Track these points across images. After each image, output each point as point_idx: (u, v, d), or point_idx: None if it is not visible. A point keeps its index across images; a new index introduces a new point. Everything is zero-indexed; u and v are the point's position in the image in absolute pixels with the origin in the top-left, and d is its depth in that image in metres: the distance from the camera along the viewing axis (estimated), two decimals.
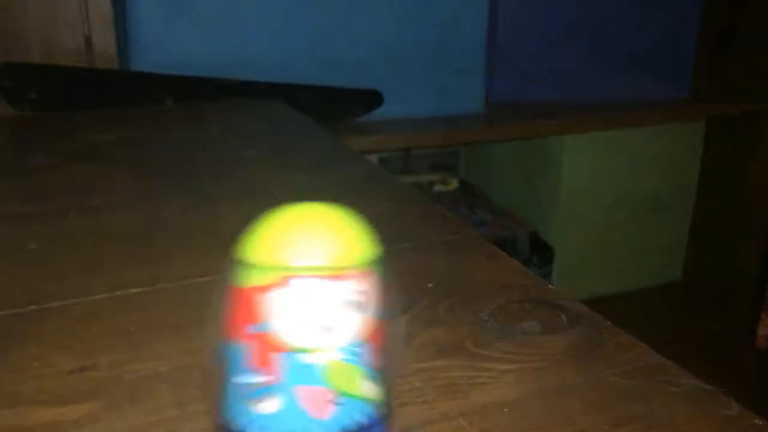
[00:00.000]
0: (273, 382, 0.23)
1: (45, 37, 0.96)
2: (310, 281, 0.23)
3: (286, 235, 0.24)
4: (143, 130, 0.77)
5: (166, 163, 0.66)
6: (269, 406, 0.23)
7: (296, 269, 0.23)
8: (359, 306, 0.24)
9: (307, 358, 0.23)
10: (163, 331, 0.37)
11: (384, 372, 0.25)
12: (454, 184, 1.52)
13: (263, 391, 0.23)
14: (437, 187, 1.51)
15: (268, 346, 0.23)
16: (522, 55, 1.24)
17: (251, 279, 0.23)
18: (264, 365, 0.23)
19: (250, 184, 0.60)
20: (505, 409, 0.31)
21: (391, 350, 0.26)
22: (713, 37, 1.39)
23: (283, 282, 0.23)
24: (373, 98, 1.06)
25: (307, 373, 0.23)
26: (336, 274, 0.23)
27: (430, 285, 0.42)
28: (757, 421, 0.30)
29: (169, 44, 0.98)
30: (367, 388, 0.24)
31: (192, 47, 0.99)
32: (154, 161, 0.67)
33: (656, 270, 1.49)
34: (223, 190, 0.59)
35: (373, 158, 1.33)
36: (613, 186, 1.37)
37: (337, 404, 0.24)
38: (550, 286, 0.42)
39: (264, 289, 0.23)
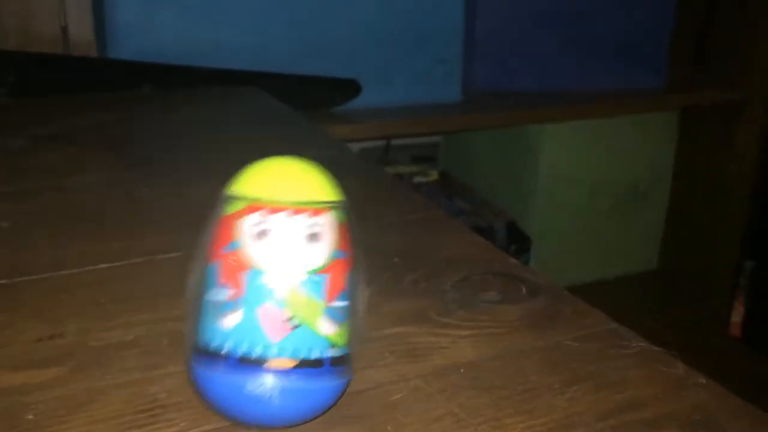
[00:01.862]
0: (236, 298, 0.25)
1: (22, 24, 0.96)
2: (276, 212, 0.26)
3: (261, 175, 0.28)
4: (120, 115, 0.78)
5: (142, 147, 0.67)
6: (231, 320, 0.25)
7: (266, 201, 0.26)
8: (319, 239, 0.26)
9: (268, 279, 0.25)
10: (132, 303, 0.38)
11: (344, 316, 0.27)
12: (434, 175, 1.54)
13: (228, 307, 0.26)
14: (417, 178, 1.52)
15: (236, 264, 0.26)
16: (500, 44, 1.25)
17: (230, 208, 0.27)
18: (231, 282, 0.26)
19: (222, 167, 0.60)
20: (462, 370, 0.32)
21: (351, 296, 0.27)
22: (690, 27, 1.41)
23: (252, 210, 0.26)
24: (350, 87, 1.07)
25: (266, 294, 0.25)
26: (299, 208, 0.26)
27: (395, 260, 0.43)
28: (701, 380, 0.31)
29: (146, 32, 0.98)
30: (324, 324, 0.26)
31: (170, 35, 1.00)
32: (129, 145, 0.67)
33: (633, 258, 1.51)
34: (196, 172, 0.59)
35: (354, 149, 1.34)
36: (592, 175, 1.38)
37: (293, 329, 0.25)
38: (512, 260, 0.43)
39: (237, 215, 0.26)
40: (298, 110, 0.81)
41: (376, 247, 0.45)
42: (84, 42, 1.00)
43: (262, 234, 0.26)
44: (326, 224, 0.27)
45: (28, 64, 0.90)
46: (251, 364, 0.25)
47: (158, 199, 0.53)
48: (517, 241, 1.35)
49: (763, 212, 1.38)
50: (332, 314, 0.26)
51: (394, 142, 1.45)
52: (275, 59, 1.03)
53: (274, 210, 0.26)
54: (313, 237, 0.26)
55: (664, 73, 1.34)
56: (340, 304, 0.27)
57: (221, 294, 0.26)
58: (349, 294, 0.27)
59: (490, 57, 1.25)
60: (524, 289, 0.39)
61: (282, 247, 0.26)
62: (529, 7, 1.24)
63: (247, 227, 0.26)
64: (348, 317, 0.27)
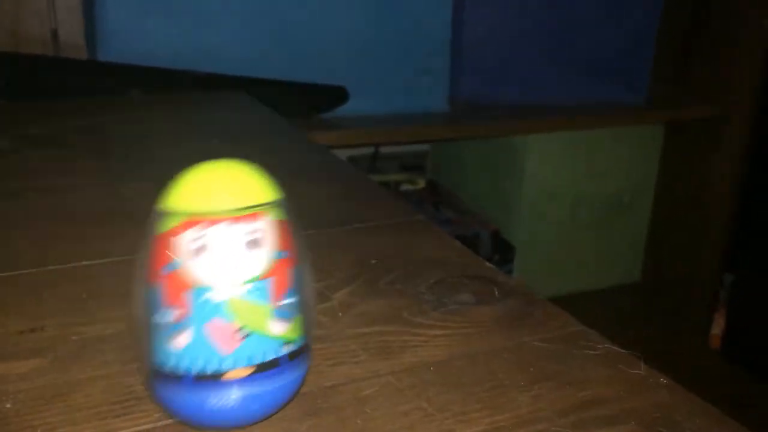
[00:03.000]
0: (183, 318, 0.26)
1: (12, 25, 0.96)
2: (213, 224, 0.26)
3: (193, 185, 0.27)
4: (107, 118, 0.78)
5: (128, 150, 0.68)
6: (181, 341, 0.26)
7: (199, 213, 0.26)
8: (257, 245, 0.26)
9: (212, 295, 0.25)
10: (113, 299, 0.38)
11: (294, 311, 0.27)
12: (421, 183, 1.55)
13: (176, 327, 0.26)
14: (404, 187, 1.53)
15: (178, 284, 0.26)
16: (487, 56, 1.26)
17: (164, 225, 0.26)
18: (176, 302, 0.26)
19: None
20: (432, 368, 0.33)
21: (300, 290, 0.28)
22: (672, 44, 1.43)
23: (189, 225, 0.26)
24: (338, 94, 1.08)
25: (213, 309, 0.26)
26: (237, 216, 0.26)
27: (372, 261, 0.44)
28: (662, 380, 0.32)
29: (136, 36, 0.99)
30: (275, 326, 0.26)
31: (160, 39, 1.01)
32: (115, 148, 0.68)
33: (616, 270, 1.53)
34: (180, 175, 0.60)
35: (342, 157, 1.35)
36: (576, 187, 1.40)
37: (244, 338, 0.26)
38: (487, 264, 0.45)
39: (173, 233, 0.26)
40: (285, 116, 0.82)
41: (355, 249, 0.46)
42: (74, 45, 1.01)
43: (201, 249, 0.25)
44: (266, 227, 0.26)
45: (16, 66, 0.91)
46: (209, 379, 0.26)
47: (141, 200, 0.54)
48: (502, 251, 1.37)
49: (743, 226, 1.40)
50: (281, 314, 0.27)
51: (383, 150, 1.47)
52: (264, 66, 1.04)
53: (211, 222, 0.26)
54: (254, 243, 0.26)
55: (645, 89, 1.37)
56: (288, 301, 0.27)
57: (168, 315, 0.26)
58: (297, 287, 0.28)
59: (477, 69, 1.26)
60: (497, 292, 0.40)
61: (223, 260, 0.26)
62: (516, 20, 1.26)
63: (185, 244, 0.26)
64: (299, 309, 0.28)
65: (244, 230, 0.26)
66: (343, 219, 0.51)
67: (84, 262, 0.43)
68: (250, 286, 0.26)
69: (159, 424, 0.28)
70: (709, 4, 1.38)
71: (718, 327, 1.44)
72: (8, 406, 0.29)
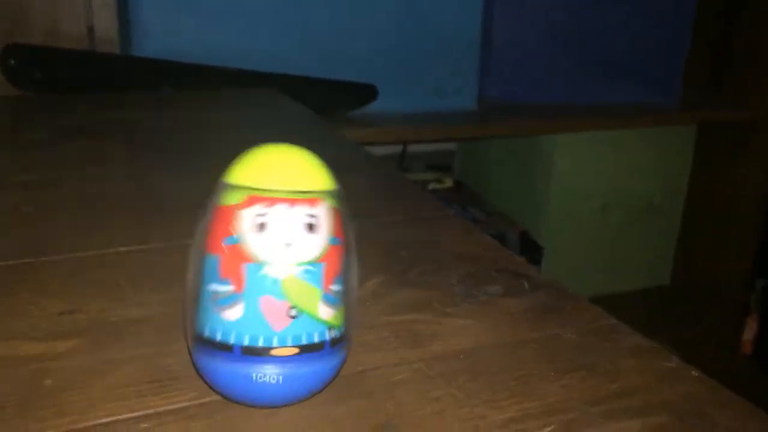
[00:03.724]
0: (238, 291, 0.26)
1: (49, 21, 0.98)
2: (275, 203, 0.26)
3: (260, 163, 0.28)
4: (141, 112, 0.80)
5: (160, 142, 0.69)
6: (234, 313, 0.26)
7: (262, 191, 0.27)
8: (316, 228, 0.27)
9: (268, 271, 0.26)
10: (150, 283, 0.39)
11: (340, 298, 0.28)
12: (448, 182, 1.55)
13: (230, 299, 0.26)
14: (432, 186, 1.53)
15: (237, 257, 0.26)
16: (516, 57, 1.26)
17: (228, 199, 0.27)
18: (232, 275, 0.26)
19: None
20: (462, 356, 0.33)
21: (347, 279, 0.28)
22: (705, 46, 1.41)
23: (252, 202, 0.27)
24: (368, 92, 1.09)
25: (268, 286, 0.26)
26: (298, 199, 0.27)
27: (403, 253, 0.44)
28: (693, 372, 0.32)
29: (169, 33, 1.01)
30: (323, 309, 0.27)
31: (192, 36, 1.02)
32: (148, 140, 0.69)
33: (646, 273, 1.51)
34: (211, 165, 0.61)
35: None
36: (605, 188, 1.39)
37: (294, 318, 0.26)
38: (517, 258, 0.45)
39: (237, 207, 0.27)
40: (316, 113, 0.83)
41: (386, 240, 0.46)
42: (108, 41, 1.03)
43: (261, 226, 0.26)
44: (323, 213, 0.27)
45: (54, 60, 0.93)
46: (256, 354, 0.26)
47: (175, 191, 0.55)
48: (529, 252, 1.36)
49: None
50: (330, 299, 0.27)
51: (410, 150, 1.47)
52: (294, 63, 1.05)
53: (274, 201, 0.26)
54: (311, 227, 0.27)
55: (678, 91, 1.35)
56: (336, 288, 0.28)
57: (223, 286, 0.27)
58: (345, 276, 0.28)
59: (506, 69, 1.26)
60: (527, 285, 0.41)
61: (281, 239, 0.26)
62: (546, 20, 1.26)
63: (246, 220, 0.26)
64: (344, 297, 0.28)
65: (303, 213, 0.27)
66: (373, 212, 0.51)
67: (120, 249, 0.44)
68: (304, 267, 0.26)
69: (195, 402, 0.29)
70: (743, 7, 1.36)
71: (749, 332, 1.42)
72: (49, 382, 0.30)
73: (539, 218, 1.39)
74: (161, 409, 0.28)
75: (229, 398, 0.28)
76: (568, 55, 1.28)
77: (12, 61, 0.88)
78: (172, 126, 0.75)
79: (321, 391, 0.29)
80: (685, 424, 0.29)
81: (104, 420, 0.28)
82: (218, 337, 0.27)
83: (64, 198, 0.53)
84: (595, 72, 1.31)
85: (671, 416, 0.29)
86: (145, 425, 0.27)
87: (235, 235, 0.26)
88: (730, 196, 1.43)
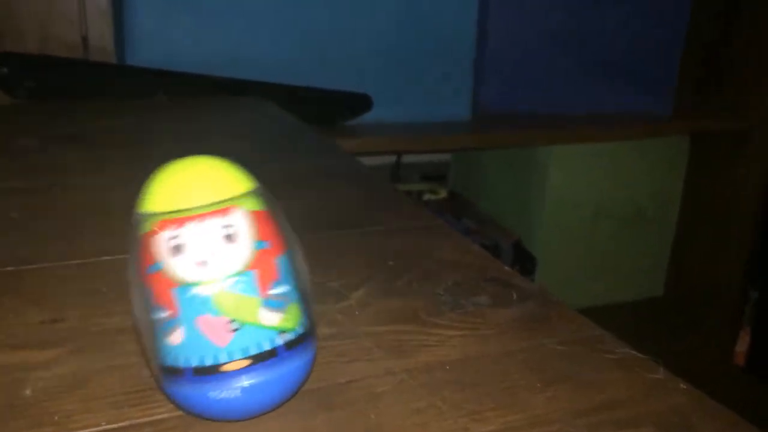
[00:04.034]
0: (174, 316, 0.26)
1: (42, 29, 0.98)
2: (185, 222, 0.26)
3: (163, 185, 0.27)
4: (133, 120, 0.80)
5: (152, 150, 0.68)
6: (176, 337, 0.26)
7: (170, 213, 0.26)
8: (236, 238, 0.26)
9: (197, 291, 0.26)
10: (127, 293, 0.39)
11: (287, 299, 0.27)
12: (442, 193, 1.55)
13: (169, 324, 0.26)
14: (426, 196, 1.53)
15: (164, 283, 0.26)
16: (510, 64, 1.26)
17: (143, 227, 0.27)
18: (164, 301, 0.26)
19: None
20: (447, 367, 0.33)
21: (292, 279, 0.28)
22: (699, 54, 1.42)
23: (163, 226, 0.26)
24: (362, 102, 1.09)
25: (201, 305, 0.26)
26: (208, 212, 0.26)
27: (390, 263, 0.44)
28: (682, 385, 0.32)
29: (164, 41, 1.01)
30: (266, 316, 0.26)
31: (187, 45, 1.02)
32: (139, 147, 0.69)
33: (639, 284, 1.51)
34: None
35: None
36: (598, 197, 1.39)
37: (236, 331, 0.26)
38: (506, 267, 0.44)
39: (150, 234, 0.26)
40: (308, 123, 0.83)
41: (373, 250, 0.46)
42: (103, 49, 1.03)
43: (178, 248, 0.26)
44: (240, 220, 0.27)
45: (46, 68, 0.93)
46: (207, 372, 0.26)
47: None
48: (523, 262, 1.36)
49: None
50: (272, 304, 0.27)
51: (405, 160, 1.47)
52: (288, 72, 1.05)
53: (183, 221, 0.26)
54: (230, 237, 0.26)
55: (671, 99, 1.36)
56: (278, 290, 0.27)
57: (160, 313, 0.26)
58: (289, 276, 0.28)
59: (500, 78, 1.26)
60: (515, 295, 0.40)
61: (201, 256, 0.26)
62: (540, 29, 1.26)
63: (162, 245, 0.26)
64: (294, 298, 0.28)
65: (217, 225, 0.26)
66: (362, 221, 0.51)
67: (105, 258, 0.43)
68: (233, 279, 0.26)
69: (174, 414, 0.28)
70: (737, 15, 1.37)
71: (742, 344, 1.42)
72: (27, 393, 0.30)
73: (533, 228, 1.39)
74: (139, 420, 0.28)
75: (199, 418, 0.28)
76: (563, 63, 1.28)
77: (4, 69, 0.88)
78: (165, 134, 0.75)
79: (293, 395, 0.28)
80: None
81: (81, 431, 0.27)
82: (169, 362, 0.26)
83: (52, 205, 0.52)
84: (590, 81, 1.31)
85: (657, 428, 0.29)
86: None
87: (156, 263, 0.26)
88: (724, 206, 1.43)
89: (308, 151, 0.72)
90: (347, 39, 1.10)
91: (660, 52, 1.33)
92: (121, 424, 0.28)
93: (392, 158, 1.44)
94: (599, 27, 1.28)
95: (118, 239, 0.45)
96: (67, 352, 0.33)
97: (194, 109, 0.87)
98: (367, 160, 1.36)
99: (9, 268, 0.41)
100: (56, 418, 0.28)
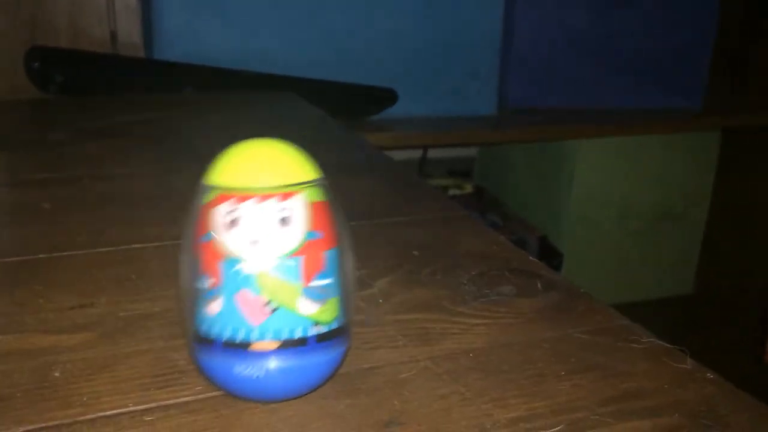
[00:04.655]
0: (216, 286, 0.26)
1: (73, 25, 1.00)
2: (244, 199, 0.26)
3: (230, 161, 0.28)
4: (161, 113, 0.81)
5: (180, 142, 0.69)
6: (214, 307, 0.26)
7: (231, 189, 0.27)
8: (290, 222, 0.27)
9: (242, 267, 0.26)
10: (162, 280, 0.39)
11: (328, 294, 0.27)
12: (468, 188, 1.54)
13: (210, 294, 0.27)
14: (452, 191, 1.53)
15: (213, 254, 0.27)
16: (536, 61, 1.25)
17: (204, 198, 0.27)
18: (210, 271, 0.27)
19: None
20: (471, 355, 0.33)
21: (336, 274, 0.28)
22: (728, 50, 1.39)
23: (222, 200, 0.27)
24: (388, 96, 1.09)
25: (243, 281, 0.26)
26: (268, 194, 0.27)
27: (415, 253, 0.44)
28: (710, 375, 0.32)
29: (191, 37, 1.02)
30: (304, 305, 0.27)
31: (213, 40, 1.03)
32: (168, 140, 0.70)
33: (667, 281, 1.49)
34: None
35: None
36: (625, 194, 1.37)
37: (272, 312, 0.26)
38: (531, 258, 0.44)
39: (209, 205, 0.27)
40: (335, 117, 0.83)
41: (399, 240, 0.46)
42: (132, 44, 1.04)
43: (233, 223, 0.26)
44: (297, 207, 0.27)
45: (76, 63, 0.94)
46: (236, 347, 0.26)
47: (191, 190, 0.55)
48: (549, 257, 1.35)
49: None
50: (312, 294, 0.27)
51: (431, 155, 1.47)
52: (314, 68, 1.05)
53: (243, 198, 0.26)
54: (284, 221, 0.26)
55: (701, 96, 1.34)
56: (320, 282, 0.27)
57: (204, 282, 0.27)
58: (334, 270, 0.28)
59: (526, 74, 1.26)
60: (539, 285, 0.40)
61: (253, 234, 0.26)
62: (567, 24, 1.25)
63: (218, 217, 0.27)
64: (335, 292, 0.28)
65: (274, 207, 0.26)
66: (388, 212, 0.51)
67: (134, 245, 0.44)
68: (279, 261, 0.26)
69: (200, 396, 0.29)
70: (766, 11, 1.35)
71: None
72: (57, 374, 0.30)
73: (559, 224, 1.38)
74: (166, 402, 0.28)
75: (221, 389, 0.28)
76: (589, 59, 1.27)
77: (35, 64, 0.90)
78: (192, 127, 0.75)
79: (317, 386, 0.29)
80: (697, 426, 0.28)
81: (109, 412, 0.28)
82: (203, 331, 0.27)
83: (82, 196, 0.53)
84: (617, 76, 1.30)
85: (683, 417, 0.28)
86: (150, 418, 0.27)
87: (209, 232, 0.27)
88: (755, 202, 1.41)
89: (336, 144, 0.72)
90: (373, 34, 1.10)
91: (689, 50, 1.31)
92: (148, 406, 0.28)
93: (418, 153, 1.44)
94: (626, 26, 1.27)
95: (146, 228, 0.46)
96: (96, 336, 0.33)
97: (221, 103, 0.88)
98: (393, 155, 1.37)
99: (41, 256, 0.42)
100: (85, 399, 0.28)
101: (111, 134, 0.71)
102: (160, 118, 0.78)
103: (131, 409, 0.28)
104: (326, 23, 1.08)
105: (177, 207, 0.51)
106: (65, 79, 0.90)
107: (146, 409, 0.28)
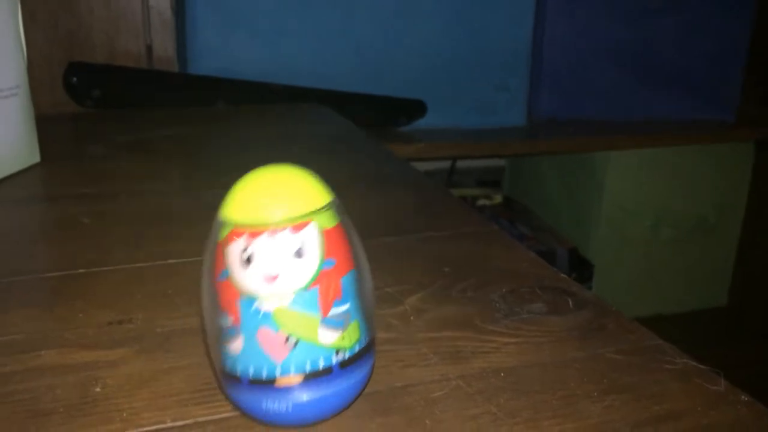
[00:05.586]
0: (236, 324, 0.27)
1: (109, 41, 1.02)
2: (256, 235, 0.26)
3: (240, 194, 0.27)
4: (195, 128, 0.82)
5: (213, 158, 0.71)
6: (236, 346, 0.27)
7: (243, 224, 0.26)
8: (304, 254, 0.26)
9: (259, 305, 0.26)
10: (196, 295, 0.40)
11: (348, 318, 0.28)
12: (497, 199, 1.54)
13: (231, 332, 0.27)
14: (481, 202, 1.53)
15: (230, 292, 0.27)
16: (566, 72, 1.25)
17: (220, 234, 0.27)
18: (229, 309, 0.27)
19: None
20: (502, 374, 0.33)
21: (355, 297, 0.28)
22: (763, 61, 1.38)
23: (235, 235, 0.27)
24: (417, 107, 1.10)
25: (261, 319, 0.26)
26: (280, 227, 0.26)
27: (446, 269, 0.44)
28: (744, 398, 0.31)
29: (224, 52, 1.03)
30: (325, 335, 0.27)
31: (245, 55, 1.04)
32: (202, 155, 0.71)
33: (700, 294, 1.47)
34: None
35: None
36: (658, 205, 1.36)
37: (293, 347, 0.26)
38: (562, 275, 0.44)
39: (224, 242, 0.27)
40: (364, 129, 0.84)
41: (430, 256, 0.46)
42: (166, 59, 1.06)
43: (248, 260, 0.26)
44: (310, 237, 0.27)
45: (113, 78, 0.96)
46: (262, 384, 0.27)
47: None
48: (579, 269, 1.34)
49: None
50: (331, 323, 0.27)
51: (460, 165, 1.47)
52: (343, 80, 1.06)
53: (255, 233, 0.26)
54: (299, 253, 0.26)
55: (734, 108, 1.32)
56: (339, 310, 0.27)
57: (225, 321, 0.27)
58: (352, 294, 0.28)
59: (557, 86, 1.25)
60: (571, 303, 0.40)
61: (268, 270, 0.26)
62: (595, 36, 1.25)
63: (233, 255, 0.26)
64: (354, 317, 0.28)
65: (288, 240, 0.26)
66: (418, 227, 0.51)
67: (170, 261, 0.45)
68: (296, 295, 0.26)
69: (237, 413, 0.29)
70: None
71: None
72: (98, 390, 0.31)
73: (589, 235, 1.37)
74: (203, 419, 0.29)
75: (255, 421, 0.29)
76: (619, 70, 1.26)
77: (74, 79, 0.92)
78: (225, 142, 0.77)
79: (345, 409, 0.29)
80: None
81: (148, 428, 0.28)
82: (228, 368, 0.27)
83: (120, 211, 0.54)
84: (648, 87, 1.29)
85: None
86: None
87: (225, 270, 0.27)
88: None
89: (366, 156, 0.73)
90: (401, 46, 1.11)
91: (722, 60, 1.30)
92: (186, 422, 0.29)
93: (447, 164, 1.44)
94: (658, 37, 1.26)
95: (182, 243, 0.47)
96: (134, 352, 0.34)
97: (253, 116, 0.89)
98: (422, 165, 1.37)
99: (80, 271, 0.43)
100: (124, 414, 0.29)
101: (147, 149, 0.72)
102: (195, 133, 0.80)
103: (169, 425, 0.29)
104: (356, 36, 1.09)
105: (208, 223, 0.52)
106: (102, 94, 0.93)
107: (184, 425, 0.29)
